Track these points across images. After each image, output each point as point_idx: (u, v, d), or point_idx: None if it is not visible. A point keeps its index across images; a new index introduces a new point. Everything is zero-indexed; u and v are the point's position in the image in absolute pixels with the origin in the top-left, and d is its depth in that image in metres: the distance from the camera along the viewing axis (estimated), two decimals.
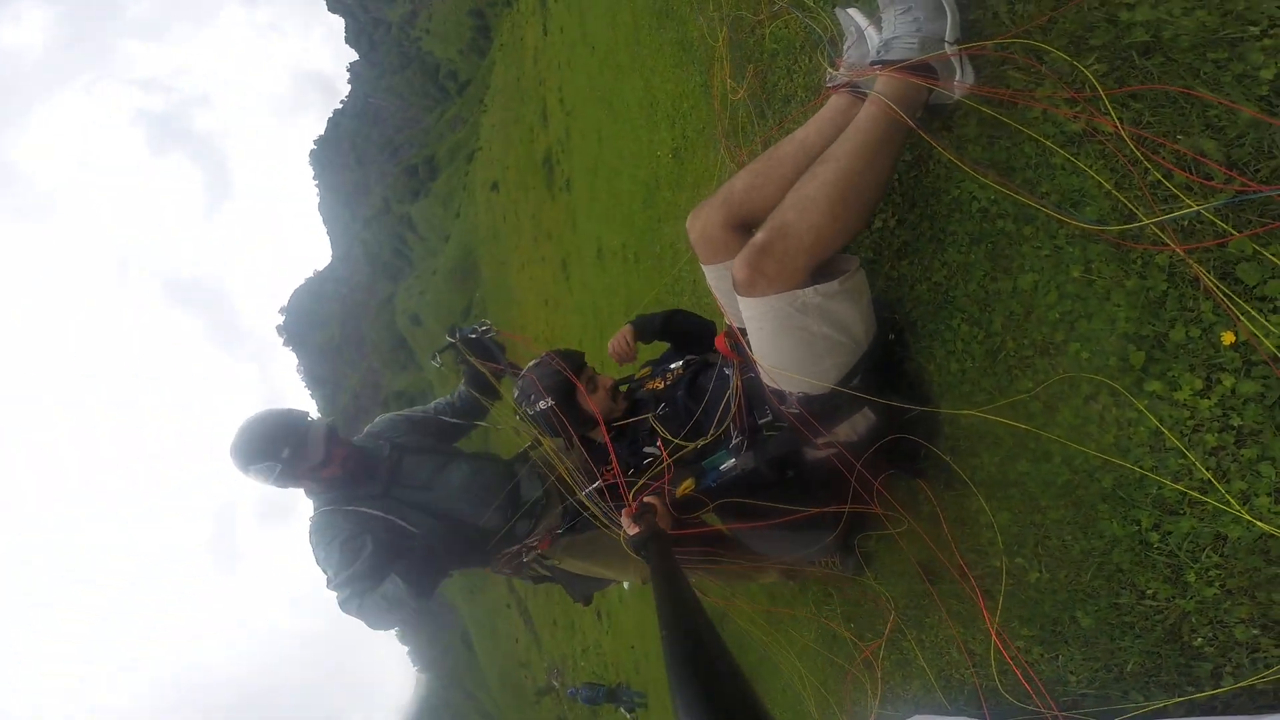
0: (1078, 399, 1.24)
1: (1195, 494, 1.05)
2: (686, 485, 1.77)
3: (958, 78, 1.38)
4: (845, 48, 1.60)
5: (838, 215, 1.42)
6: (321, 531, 2.16)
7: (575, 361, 2.07)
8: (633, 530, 1.56)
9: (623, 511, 1.65)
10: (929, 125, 1.53)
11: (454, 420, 2.50)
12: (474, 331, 2.39)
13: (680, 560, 1.66)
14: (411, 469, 2.28)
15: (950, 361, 1.56)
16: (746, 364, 1.72)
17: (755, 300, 1.46)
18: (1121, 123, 1.10)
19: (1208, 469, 1.03)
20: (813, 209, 1.40)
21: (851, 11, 1.54)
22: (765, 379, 1.65)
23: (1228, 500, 1.01)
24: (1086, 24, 1.18)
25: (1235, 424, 1.02)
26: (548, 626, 15.80)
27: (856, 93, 1.51)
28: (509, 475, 2.34)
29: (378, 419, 2.49)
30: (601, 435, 1.99)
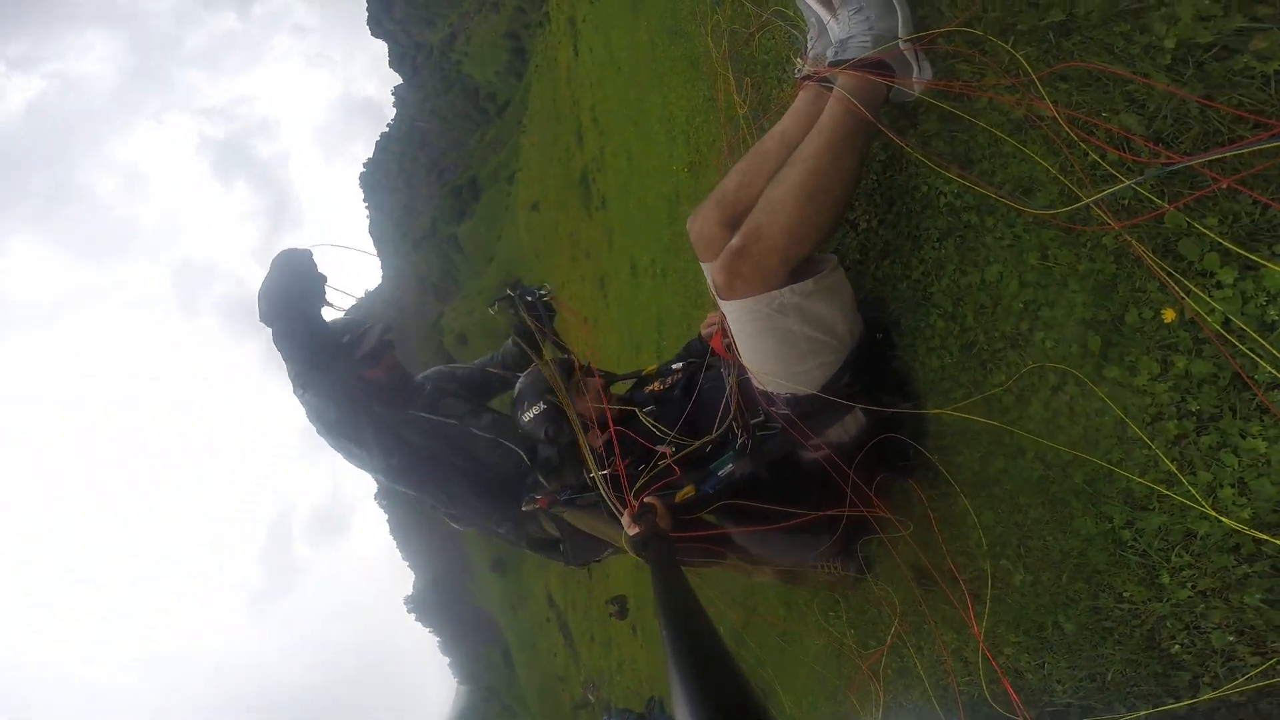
0: (1046, 390, 1.22)
1: (1161, 488, 1.02)
2: (686, 491, 1.78)
3: (916, 74, 1.39)
4: (809, 40, 1.62)
5: (807, 215, 1.43)
6: (325, 415, 2.09)
7: (564, 367, 2.11)
8: (633, 530, 1.58)
9: (624, 512, 1.67)
10: (895, 123, 1.53)
11: (498, 372, 2.47)
12: (531, 294, 2.38)
13: (680, 558, 1.67)
14: (445, 406, 2.26)
15: (931, 358, 1.55)
16: (741, 365, 1.73)
17: (735, 303, 1.49)
18: (1055, 104, 1.09)
19: (1171, 459, 1.00)
20: (782, 211, 1.42)
21: (811, 2, 1.55)
22: (753, 380, 1.66)
23: (1192, 495, 0.97)
24: (1013, 9, 1.18)
25: (1193, 409, 0.99)
26: (585, 642, 15.79)
27: (824, 85, 1.52)
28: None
29: (430, 369, 2.46)
30: (597, 439, 2.02)
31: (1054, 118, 1.05)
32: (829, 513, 1.65)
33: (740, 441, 1.76)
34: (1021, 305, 1.25)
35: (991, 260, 1.32)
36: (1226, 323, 0.92)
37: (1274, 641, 0.95)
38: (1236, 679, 0.99)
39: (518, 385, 2.14)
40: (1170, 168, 0.90)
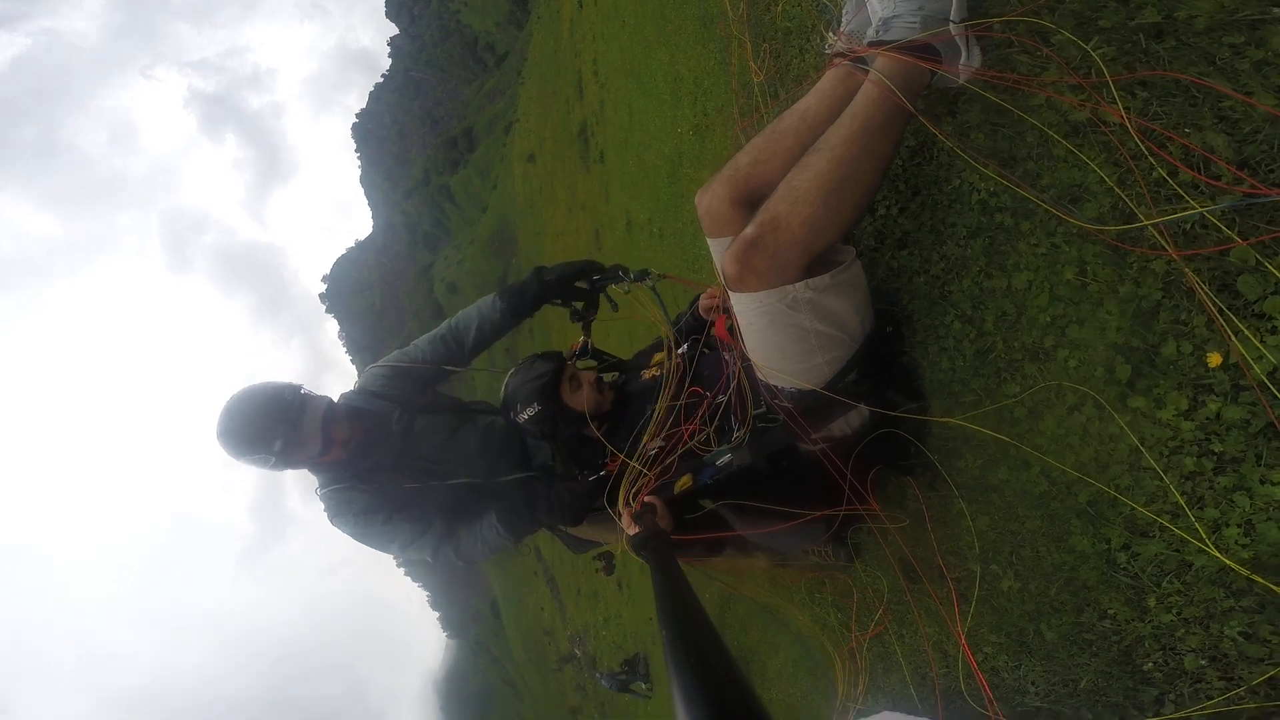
0: (1062, 408, 1.18)
1: (1164, 520, 1.01)
2: (684, 481, 1.75)
3: (963, 60, 1.28)
4: (845, 15, 1.51)
5: (832, 207, 1.35)
6: (346, 513, 1.99)
7: (555, 361, 2.05)
8: (633, 530, 1.55)
9: (624, 512, 1.63)
10: (932, 108, 1.44)
11: (449, 368, 2.16)
12: (639, 278, 2.07)
13: (679, 553, 1.66)
14: (422, 435, 2.05)
15: (942, 359, 1.50)
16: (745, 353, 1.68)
17: (746, 296, 1.42)
18: (1128, 112, 1.00)
19: (1182, 493, 0.98)
20: (805, 202, 1.33)
21: None
22: (758, 372, 1.61)
23: (1196, 529, 0.96)
24: (1095, 3, 1.09)
25: (1216, 449, 0.96)
26: (572, 596, 16.14)
27: (857, 66, 1.42)
28: (517, 432, 2.18)
29: (368, 371, 2.15)
30: (595, 430, 1.97)
31: (1123, 124, 0.97)
32: (826, 512, 1.64)
33: (738, 433, 1.72)
34: (1049, 319, 1.20)
35: (1022, 267, 1.25)
36: (1273, 371, 0.88)
37: (1243, 671, 0.97)
38: (1201, 702, 1.01)
39: (508, 385, 2.06)
40: (1255, 199, 0.83)
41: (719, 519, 1.81)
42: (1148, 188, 0.99)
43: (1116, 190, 1.02)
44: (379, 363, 2.14)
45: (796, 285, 1.37)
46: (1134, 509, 1.04)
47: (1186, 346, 0.98)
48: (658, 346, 2.14)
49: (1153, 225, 0.97)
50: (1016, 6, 1.19)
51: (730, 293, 1.45)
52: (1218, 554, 0.93)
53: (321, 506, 2.04)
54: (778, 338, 1.48)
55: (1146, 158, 0.97)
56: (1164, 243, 0.96)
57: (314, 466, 1.99)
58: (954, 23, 1.25)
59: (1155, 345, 1.02)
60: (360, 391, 2.10)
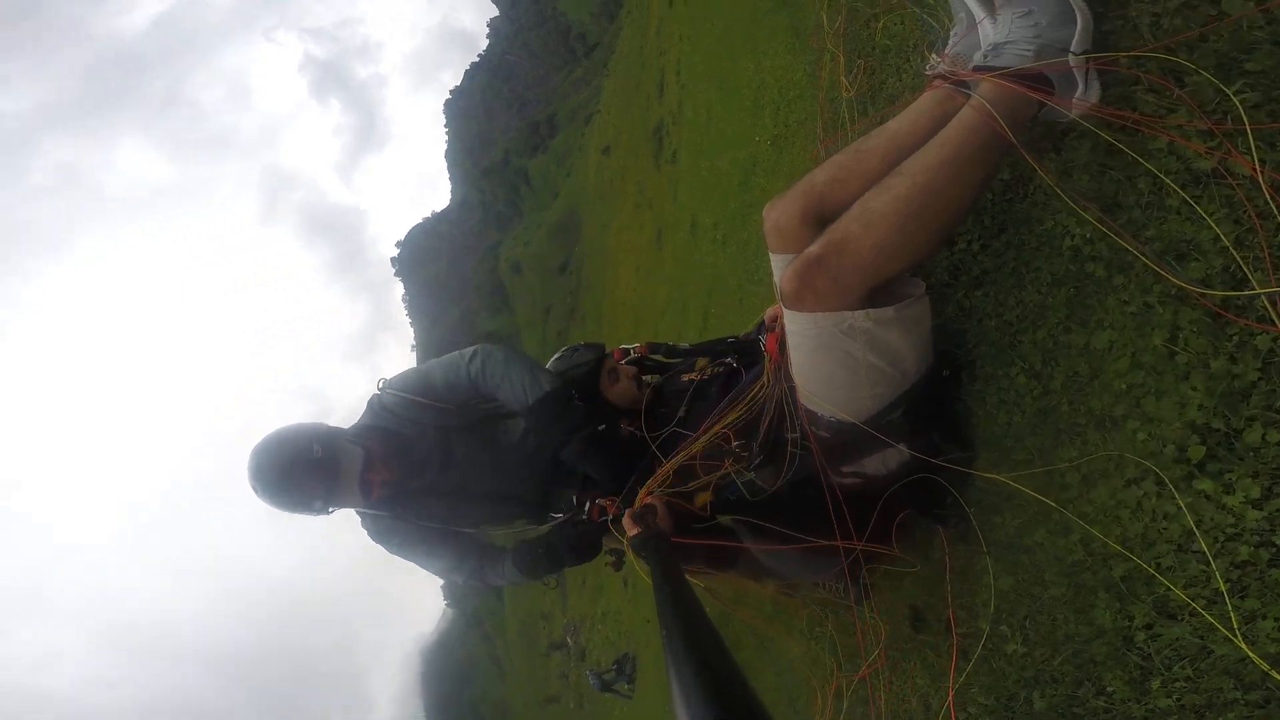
0: (1119, 480, 1.09)
1: (1198, 606, 0.94)
2: (705, 496, 1.70)
3: (1079, 93, 1.18)
4: (953, 35, 1.42)
5: (908, 235, 1.27)
6: (388, 540, 1.98)
7: (596, 351, 2.02)
8: (633, 530, 1.53)
9: (625, 513, 1.61)
10: (1035, 144, 1.33)
11: (498, 411, 2.00)
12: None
13: (686, 564, 1.62)
14: (465, 463, 1.95)
15: (1000, 412, 1.40)
16: (789, 374, 1.62)
17: (800, 315, 1.35)
18: (1262, 165, 0.90)
19: (1226, 580, 0.91)
20: (880, 225, 1.25)
21: None
22: (800, 398, 1.54)
23: (1229, 618, 0.90)
24: (1244, 45, 0.97)
25: (1279, 542, 0.87)
26: (577, 585, 16.22)
27: (959, 89, 1.33)
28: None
29: (390, 395, 1.94)
30: (631, 427, 1.94)
31: (1254, 178, 0.88)
32: (843, 544, 1.55)
33: (757, 459, 1.66)
34: (1124, 386, 1.10)
35: (1106, 325, 1.15)
36: None
37: None
38: None
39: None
40: None
41: (728, 533, 1.76)
42: (1270, 251, 0.88)
43: (1231, 250, 0.91)
44: (398, 390, 1.94)
45: (856, 313, 1.29)
46: (1169, 589, 0.98)
47: (1274, 435, 0.88)
48: (703, 352, 2.09)
49: (1267, 295, 0.87)
50: (1148, 41, 1.09)
51: (785, 310, 1.38)
52: (1242, 644, 0.88)
53: (360, 523, 2.02)
54: (826, 364, 1.41)
55: (1276, 217, 0.87)
56: (1275, 316, 0.86)
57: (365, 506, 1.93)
58: (1074, 54, 1.14)
59: (1239, 430, 0.92)
60: (384, 412, 1.95)
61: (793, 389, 1.58)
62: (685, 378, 1.99)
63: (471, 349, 1.95)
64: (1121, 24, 1.15)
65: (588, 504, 1.90)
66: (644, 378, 2.05)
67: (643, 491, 1.69)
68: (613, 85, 24.15)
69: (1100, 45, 1.17)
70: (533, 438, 1.93)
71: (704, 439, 1.70)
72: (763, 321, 2.04)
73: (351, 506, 1.91)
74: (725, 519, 1.78)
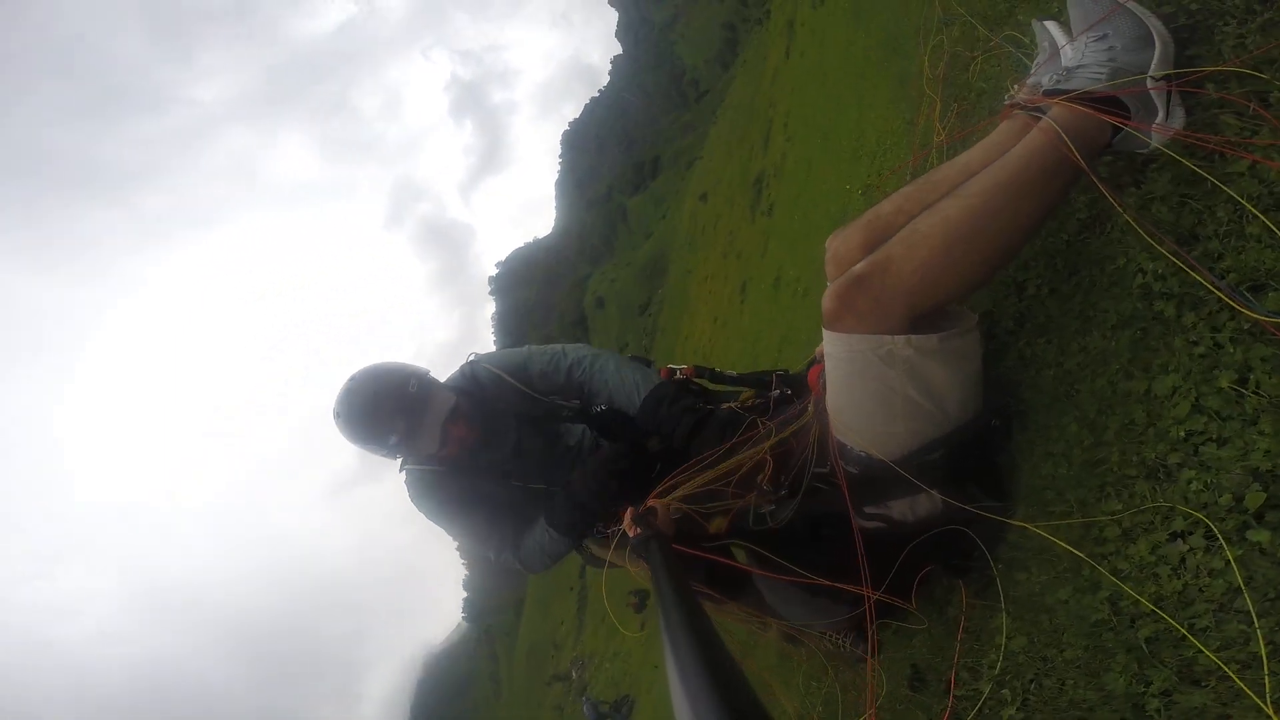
0: (1162, 534, 0.96)
1: (1231, 671, 0.81)
2: (718, 524, 1.65)
3: (1159, 119, 1.11)
4: (1035, 64, 1.38)
5: (954, 258, 1.20)
6: (431, 497, 1.95)
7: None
8: (634, 532, 1.48)
9: (625, 513, 1.55)
10: (1115, 179, 1.25)
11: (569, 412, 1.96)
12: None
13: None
14: (530, 452, 1.95)
15: (1045, 464, 1.28)
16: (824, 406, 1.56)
17: (838, 336, 1.29)
18: None
19: (1269, 644, 0.78)
20: (924, 245, 1.20)
21: (1049, 25, 1.31)
22: (831, 428, 1.47)
23: (1263, 685, 0.78)
24: None
25: None
26: (595, 620, 15.92)
27: (1034, 114, 1.27)
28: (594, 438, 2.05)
29: (483, 368, 1.95)
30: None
31: None
32: (850, 588, 1.43)
33: (784, 490, 1.58)
34: (1183, 434, 0.99)
35: (1170, 369, 1.04)
36: None
37: None
38: None
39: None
40: None
41: (726, 552, 1.68)
42: None
43: None
44: (493, 366, 1.96)
45: (897, 339, 1.23)
46: (1198, 652, 0.86)
47: None
48: (749, 383, 2.04)
49: None
50: (1230, 58, 1.03)
51: (825, 332, 1.33)
52: (1272, 714, 0.77)
53: (404, 479, 2.00)
54: (859, 392, 1.33)
55: None
56: None
57: (424, 459, 1.91)
58: (1153, 77, 1.09)
59: None
60: (474, 382, 1.96)
61: (827, 420, 1.52)
62: (726, 406, 1.96)
63: (573, 346, 1.98)
64: (1206, 48, 1.08)
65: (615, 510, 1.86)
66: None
67: (650, 497, 1.65)
68: (718, 132, 24.67)
69: (1183, 68, 1.11)
70: (650, 424, 1.87)
71: (727, 462, 1.66)
72: (815, 358, 1.99)
73: (423, 450, 1.84)
74: (738, 550, 1.72)
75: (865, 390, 1.32)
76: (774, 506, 1.59)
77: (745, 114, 18.09)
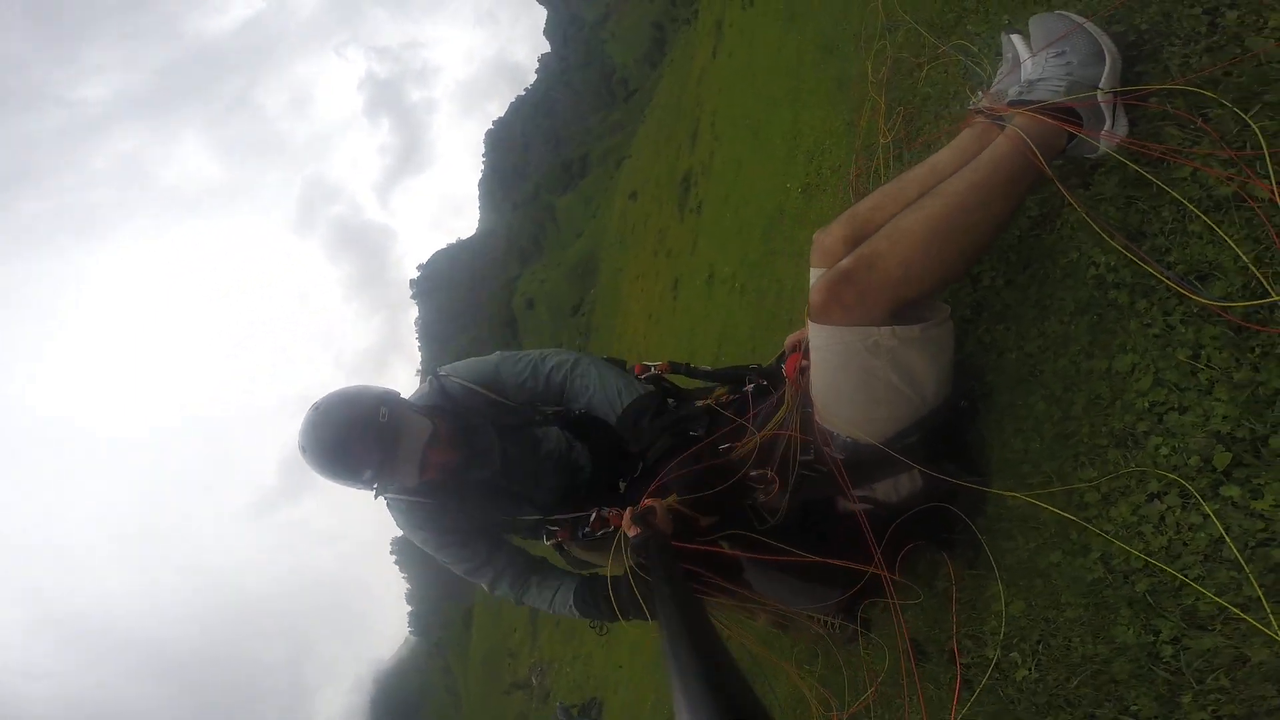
0: (1140, 495, 1.09)
1: (1235, 610, 0.92)
2: (709, 520, 1.69)
3: (1107, 127, 1.25)
4: (999, 74, 1.50)
5: (933, 254, 1.31)
6: (426, 528, 1.90)
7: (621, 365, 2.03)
8: (633, 532, 1.51)
9: (625, 513, 1.58)
10: (1065, 180, 1.38)
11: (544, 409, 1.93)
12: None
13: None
14: (513, 465, 1.89)
15: (1016, 439, 1.41)
16: (806, 396, 1.62)
17: (825, 329, 1.37)
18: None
19: (1261, 585, 0.89)
20: (907, 242, 1.30)
21: (1015, 38, 1.43)
22: (817, 416, 1.55)
23: (1270, 620, 0.88)
24: (1265, 79, 1.04)
25: None
26: (549, 625, 15.77)
27: (996, 122, 1.40)
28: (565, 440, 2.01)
29: (455, 381, 1.89)
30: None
31: (1273, 200, 0.93)
32: (853, 565, 1.51)
33: (774, 483, 1.63)
34: (1146, 404, 1.11)
35: (1128, 349, 1.18)
36: None
37: None
38: None
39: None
40: None
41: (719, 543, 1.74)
42: None
43: (1251, 268, 0.95)
44: (464, 379, 1.89)
45: (882, 330, 1.32)
46: (1200, 597, 0.97)
47: None
48: (724, 378, 2.08)
49: None
50: (1176, 78, 1.16)
51: (810, 324, 1.41)
52: None
53: (388, 508, 1.93)
54: (846, 381, 1.42)
55: None
56: None
57: (404, 490, 1.83)
58: (1102, 90, 1.22)
59: (1264, 435, 0.93)
60: (446, 398, 1.89)
61: (810, 410, 1.60)
62: (700, 403, 1.99)
63: (550, 350, 1.95)
64: (1153, 66, 1.22)
65: (594, 514, 1.86)
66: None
67: (645, 497, 1.67)
68: (647, 131, 24.83)
69: (1133, 85, 1.25)
70: (629, 437, 1.84)
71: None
72: (784, 351, 2.06)
73: (401, 483, 1.77)
74: (726, 540, 1.76)
75: (851, 379, 1.40)
76: (763, 496, 1.64)
77: (673, 113, 18.31)
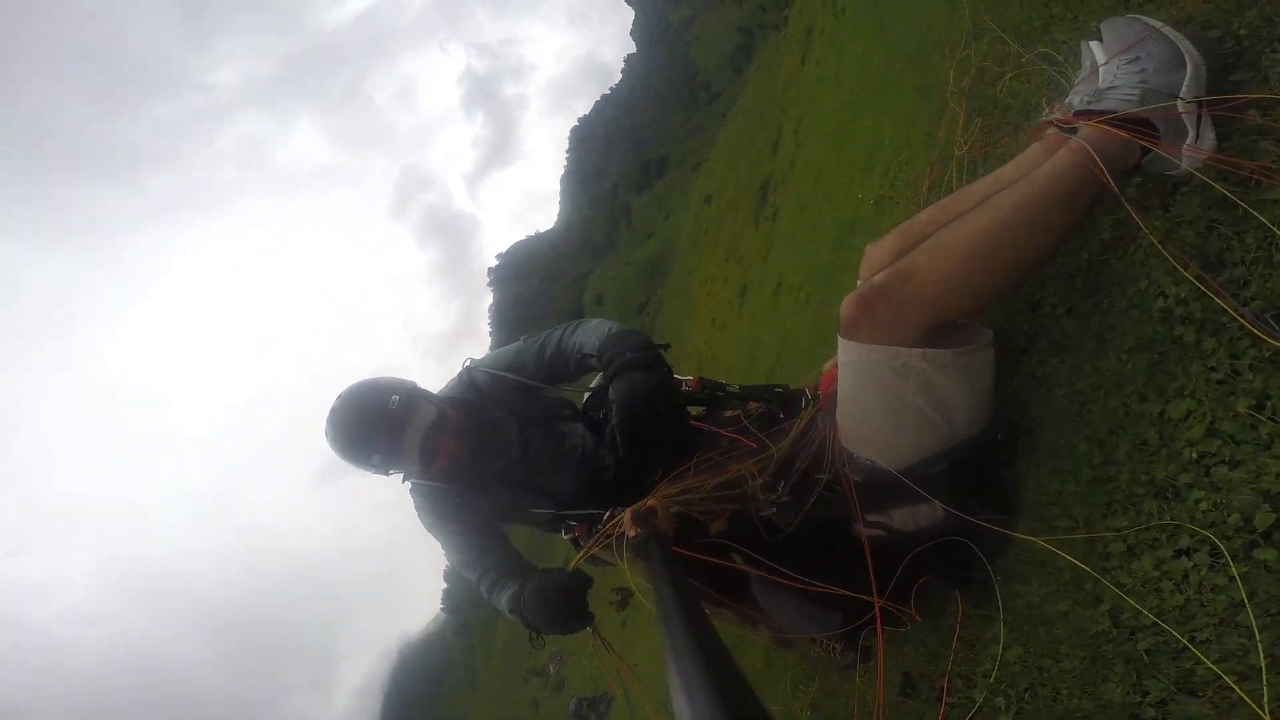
0: (1167, 550, 0.98)
1: (1229, 679, 0.83)
2: (717, 526, 1.65)
3: (1189, 141, 1.11)
4: (1075, 82, 1.39)
5: (976, 271, 1.21)
6: (433, 513, 1.93)
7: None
8: (633, 532, 1.48)
9: (625, 513, 1.54)
10: (1143, 200, 1.25)
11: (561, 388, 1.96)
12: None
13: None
14: (538, 457, 1.89)
15: (1052, 481, 1.29)
16: (831, 414, 1.56)
17: (854, 345, 1.29)
18: None
19: (1268, 656, 0.80)
20: (948, 257, 1.20)
21: (1093, 45, 1.31)
22: (839, 435, 1.48)
23: (1262, 694, 0.80)
24: None
25: None
26: None
27: (1067, 134, 1.27)
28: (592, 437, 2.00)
29: (481, 370, 1.91)
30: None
31: None
32: (855, 595, 1.45)
33: (786, 496, 1.59)
34: (1195, 455, 1.00)
35: (1186, 394, 1.05)
36: None
37: None
38: None
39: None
40: None
41: (727, 556, 1.69)
42: None
43: None
44: (490, 368, 1.91)
45: (914, 351, 1.23)
46: (1197, 662, 0.88)
47: None
48: (753, 397, 2.04)
49: None
50: (1275, 87, 1.03)
51: (840, 339, 1.33)
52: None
53: (409, 491, 1.98)
54: (870, 401, 1.34)
55: None
56: None
57: (422, 475, 1.87)
58: (1183, 100, 1.10)
59: None
60: (472, 389, 1.92)
61: (834, 427, 1.52)
62: (728, 414, 1.95)
63: (560, 325, 1.97)
64: (1252, 74, 1.09)
65: (608, 513, 1.82)
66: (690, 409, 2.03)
67: (649, 497, 1.65)
68: (728, 136, 24.64)
69: (1228, 95, 1.12)
70: (616, 375, 1.74)
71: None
72: (827, 367, 1.99)
73: (408, 468, 1.81)
74: (735, 555, 1.72)
75: (876, 400, 1.32)
76: (775, 509, 1.59)
77: (755, 119, 18.09)
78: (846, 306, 1.28)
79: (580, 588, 1.70)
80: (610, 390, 1.69)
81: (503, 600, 1.90)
